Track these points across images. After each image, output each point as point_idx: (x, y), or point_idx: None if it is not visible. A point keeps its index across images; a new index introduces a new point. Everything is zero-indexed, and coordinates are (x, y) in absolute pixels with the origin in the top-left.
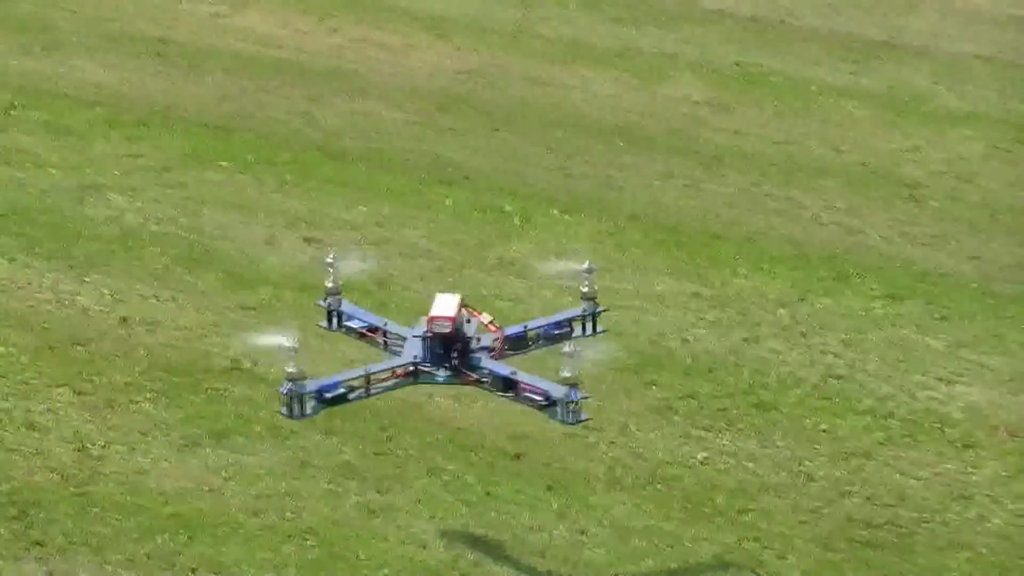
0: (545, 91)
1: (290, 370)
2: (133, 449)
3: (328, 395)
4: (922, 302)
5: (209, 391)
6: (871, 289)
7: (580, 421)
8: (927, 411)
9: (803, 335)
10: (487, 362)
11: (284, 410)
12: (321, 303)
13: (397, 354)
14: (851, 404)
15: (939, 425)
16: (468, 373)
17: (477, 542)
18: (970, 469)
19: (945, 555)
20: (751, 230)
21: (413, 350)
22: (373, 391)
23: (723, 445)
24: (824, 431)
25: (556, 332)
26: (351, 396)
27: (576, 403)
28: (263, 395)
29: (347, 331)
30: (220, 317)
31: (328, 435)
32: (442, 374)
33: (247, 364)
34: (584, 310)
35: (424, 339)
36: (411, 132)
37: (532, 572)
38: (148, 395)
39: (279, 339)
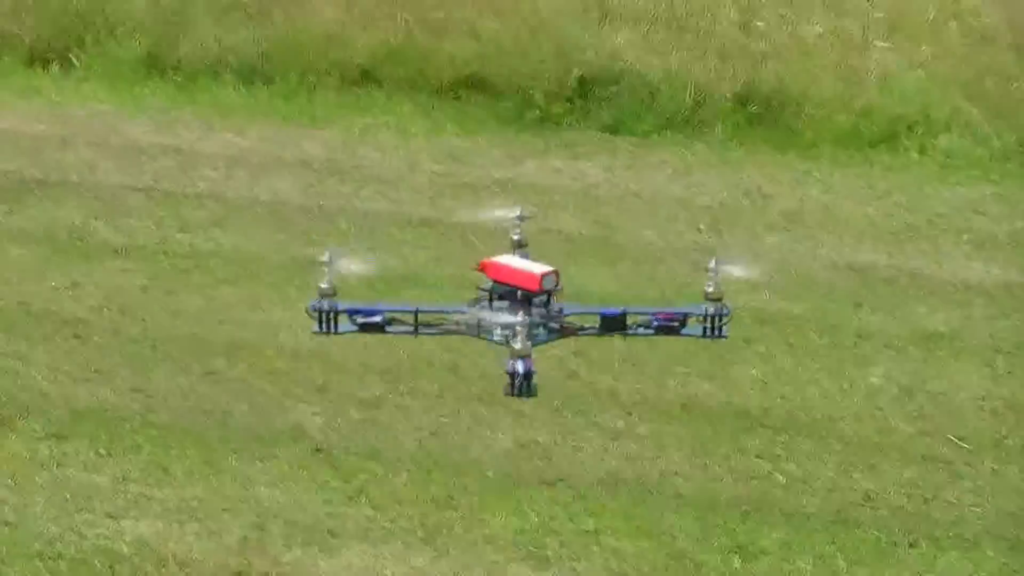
0: None
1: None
2: None
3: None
4: (87, 440)
5: None
6: (35, 431)
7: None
8: (96, 548)
9: None
10: (570, 308)
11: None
12: (315, 306)
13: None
14: (21, 549)
15: (109, 563)
16: (568, 324)
17: None
18: None
19: None
20: None
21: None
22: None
23: None
24: None
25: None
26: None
27: (728, 316)
28: None
29: (362, 328)
30: None
31: None
32: (542, 333)
33: None
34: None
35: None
36: None
37: None
38: None
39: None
